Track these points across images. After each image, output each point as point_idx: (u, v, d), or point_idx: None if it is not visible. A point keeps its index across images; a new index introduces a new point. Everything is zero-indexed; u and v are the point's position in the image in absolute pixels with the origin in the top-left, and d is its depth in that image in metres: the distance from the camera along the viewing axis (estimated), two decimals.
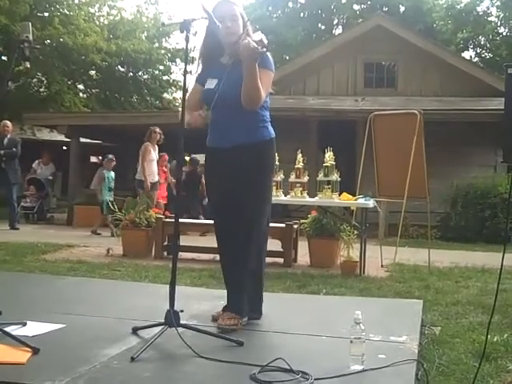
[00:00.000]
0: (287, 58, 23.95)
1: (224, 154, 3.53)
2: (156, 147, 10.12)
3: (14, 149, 10.63)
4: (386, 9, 26.29)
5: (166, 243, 7.73)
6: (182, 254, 7.27)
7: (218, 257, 3.82)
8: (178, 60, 22.84)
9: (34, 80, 19.56)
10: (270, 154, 3.63)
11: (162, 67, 23.10)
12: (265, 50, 3.21)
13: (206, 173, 3.81)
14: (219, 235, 3.71)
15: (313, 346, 3.22)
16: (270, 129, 3.61)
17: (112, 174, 11.23)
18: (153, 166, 10.09)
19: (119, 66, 21.54)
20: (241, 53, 3.27)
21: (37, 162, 14.29)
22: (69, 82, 20.18)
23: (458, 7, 26.62)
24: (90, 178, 15.72)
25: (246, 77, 3.31)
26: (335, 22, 30.29)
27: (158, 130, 9.89)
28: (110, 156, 11.49)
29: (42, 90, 20.37)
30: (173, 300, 3.13)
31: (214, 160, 3.65)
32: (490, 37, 26.73)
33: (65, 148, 17.33)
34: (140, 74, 22.68)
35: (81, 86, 22.29)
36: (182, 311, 3.16)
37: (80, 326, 3.50)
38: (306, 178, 7.13)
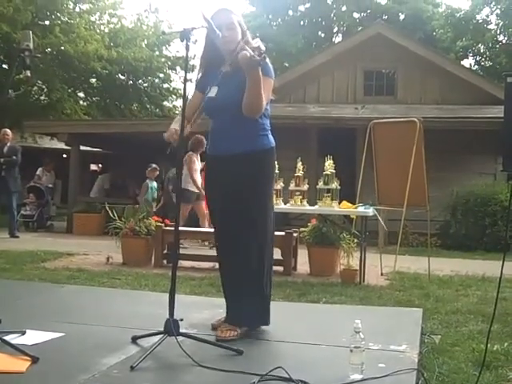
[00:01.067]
0: (287, 65, 24.01)
1: (224, 162, 3.53)
2: (198, 156, 9.66)
3: (14, 157, 10.63)
4: (385, 17, 26.40)
5: (165, 251, 7.73)
6: (182, 263, 7.28)
7: (217, 265, 3.81)
8: (178, 68, 22.87)
9: (35, 88, 19.58)
10: (269, 163, 3.63)
11: (162, 75, 23.13)
12: (262, 56, 3.21)
13: (206, 181, 3.81)
14: (219, 243, 3.71)
15: (312, 355, 3.22)
16: (271, 137, 3.61)
17: (155, 183, 10.86)
18: (197, 176, 9.59)
19: (119, 74, 21.55)
20: (241, 64, 3.28)
21: (41, 169, 14.30)
22: (69, 90, 20.20)
23: (458, 15, 26.68)
24: (89, 185, 15.77)
25: (249, 85, 3.31)
26: (335, 29, 30.38)
27: (202, 138, 9.27)
28: (154, 165, 11.16)
29: (42, 97, 20.39)
30: (172, 308, 3.13)
31: (214, 168, 3.65)
32: (490, 45, 26.78)
33: (65, 156, 17.36)
34: (140, 81, 22.70)
35: (81, 94, 22.32)
36: (181, 320, 3.16)
37: (79, 334, 3.49)
38: (305, 186, 7.12)
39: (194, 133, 8.73)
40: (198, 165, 9.65)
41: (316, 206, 7.03)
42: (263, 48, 3.22)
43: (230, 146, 3.51)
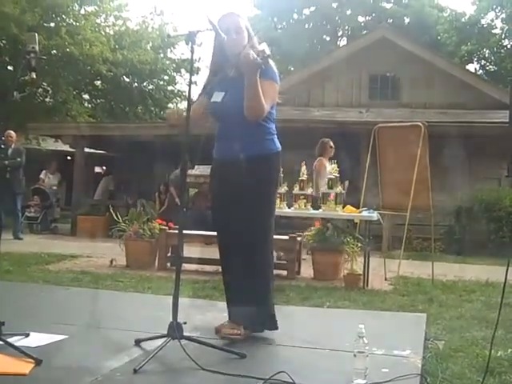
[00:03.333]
0: (292, 69, 24.02)
1: (230, 165, 3.53)
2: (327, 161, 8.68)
3: (19, 159, 10.65)
4: (390, 21, 26.43)
5: (169, 254, 7.73)
6: (186, 266, 7.26)
7: (220, 268, 3.81)
8: (182, 70, 22.89)
9: (40, 90, 19.61)
10: (275, 167, 3.64)
11: (166, 77, 23.15)
12: (265, 59, 3.21)
13: (211, 184, 3.80)
14: (222, 247, 3.71)
15: (316, 360, 3.21)
16: (276, 142, 3.62)
17: None
18: (321, 181, 8.35)
19: (124, 77, 21.57)
20: (241, 64, 3.29)
21: (44, 171, 14.30)
22: (74, 92, 20.23)
23: (463, 20, 26.67)
24: (93, 188, 15.77)
25: (246, 87, 3.32)
26: (340, 33, 30.42)
27: (331, 142, 8.72)
28: None
29: (47, 99, 20.40)
30: (176, 312, 3.13)
31: (220, 172, 3.65)
32: (495, 49, 26.77)
33: (69, 158, 17.36)
34: (145, 84, 22.72)
35: (86, 96, 22.34)
36: (185, 323, 3.15)
37: (83, 337, 3.50)
38: (309, 190, 7.12)
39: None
40: (328, 171, 7.98)
41: (320, 210, 7.03)
42: (268, 52, 3.22)
43: (235, 150, 3.51)
